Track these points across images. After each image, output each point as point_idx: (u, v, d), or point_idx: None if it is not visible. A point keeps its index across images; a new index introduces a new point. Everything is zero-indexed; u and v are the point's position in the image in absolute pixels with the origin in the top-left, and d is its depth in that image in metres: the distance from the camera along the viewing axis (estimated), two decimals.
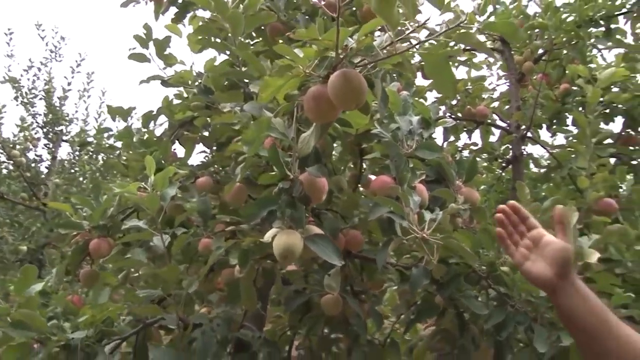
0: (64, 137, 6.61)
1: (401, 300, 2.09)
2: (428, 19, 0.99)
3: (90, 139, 6.25)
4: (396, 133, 1.46)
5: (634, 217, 2.99)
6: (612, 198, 2.78)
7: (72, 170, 6.83)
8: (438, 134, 2.41)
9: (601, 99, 3.60)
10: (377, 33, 1.24)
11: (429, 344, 2.15)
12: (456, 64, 2.80)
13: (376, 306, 1.83)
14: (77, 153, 6.87)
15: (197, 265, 1.96)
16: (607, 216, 2.54)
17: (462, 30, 0.95)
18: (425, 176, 1.60)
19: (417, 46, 1.07)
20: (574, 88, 3.20)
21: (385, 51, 1.06)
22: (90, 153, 6.62)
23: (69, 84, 6.52)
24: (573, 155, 2.81)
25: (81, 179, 6.75)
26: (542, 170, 2.94)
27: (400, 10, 0.99)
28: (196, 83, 2.19)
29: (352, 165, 1.95)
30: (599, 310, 1.08)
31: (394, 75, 1.75)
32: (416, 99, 1.74)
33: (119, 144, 2.60)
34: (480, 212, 1.70)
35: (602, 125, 3.86)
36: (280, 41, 1.40)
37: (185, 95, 2.29)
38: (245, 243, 1.50)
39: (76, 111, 7.10)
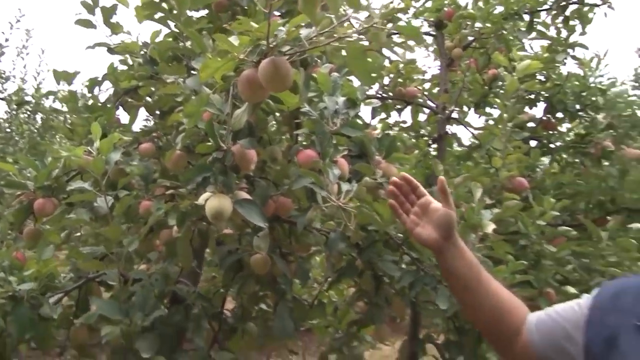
0: (0, 95, 6.48)
1: (328, 263, 2.29)
2: (347, 18, 1.16)
3: (28, 98, 6.16)
4: (323, 112, 1.63)
5: (543, 195, 3.28)
6: (525, 177, 3.06)
7: (9, 130, 6.71)
8: (367, 113, 2.61)
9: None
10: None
11: (350, 303, 2.38)
12: (392, 45, 2.98)
13: (302, 267, 2.01)
14: (14, 112, 6.74)
15: (137, 226, 2.09)
16: (518, 194, 2.80)
17: (374, 32, 1.13)
18: (349, 151, 1.79)
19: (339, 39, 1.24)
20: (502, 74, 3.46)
21: (310, 42, 1.23)
22: (29, 113, 6.51)
23: (7, 40, 6.38)
24: (492, 137, 3.07)
25: (17, 138, 6.64)
26: (465, 149, 3.20)
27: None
28: (141, 52, 2.28)
29: (289, 136, 2.11)
30: (475, 268, 1.30)
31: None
32: (347, 79, 1.92)
33: (58, 105, 2.66)
34: None
35: (527, 109, 4.17)
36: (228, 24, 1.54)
37: (130, 62, 2.38)
38: (183, 205, 1.65)
39: (13, 68, 6.94)
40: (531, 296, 2.62)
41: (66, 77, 2.58)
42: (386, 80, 2.99)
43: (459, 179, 2.02)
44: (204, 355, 1.94)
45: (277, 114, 1.92)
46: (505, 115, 2.76)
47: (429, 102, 3.16)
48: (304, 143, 1.78)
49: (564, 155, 4.00)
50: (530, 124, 4.06)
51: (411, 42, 1.36)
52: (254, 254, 1.78)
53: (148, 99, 2.32)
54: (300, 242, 1.93)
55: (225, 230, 2.06)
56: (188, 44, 1.98)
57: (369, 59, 1.30)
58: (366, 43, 1.27)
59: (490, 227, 1.83)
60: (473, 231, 1.87)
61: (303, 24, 1.25)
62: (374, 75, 1.33)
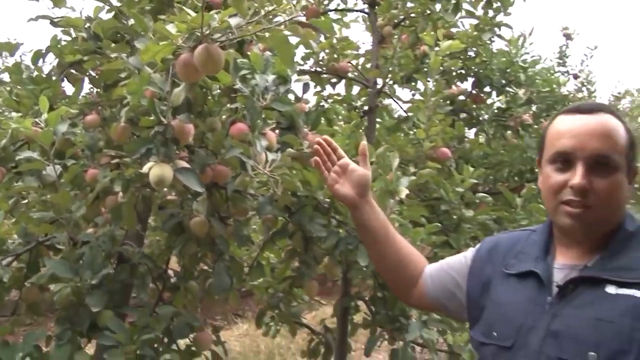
0: None
1: (264, 226, 2.50)
2: (271, 10, 1.35)
3: None
4: (254, 88, 1.82)
5: (470, 164, 3.56)
6: (450, 148, 3.32)
7: None
8: (299, 87, 2.78)
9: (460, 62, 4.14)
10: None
11: (285, 262, 2.61)
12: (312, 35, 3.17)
13: (239, 230, 2.21)
14: None
15: (84, 193, 2.23)
16: (441, 163, 3.06)
17: (291, 24, 1.32)
18: (279, 124, 1.99)
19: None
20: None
21: (239, 30, 1.41)
22: None
23: None
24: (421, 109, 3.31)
25: None
26: (394, 121, 3.44)
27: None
28: (85, 27, 2.38)
29: (229, 108, 2.28)
30: (384, 224, 1.53)
31: None
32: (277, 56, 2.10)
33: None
34: None
35: (458, 84, 4.44)
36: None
37: (73, 34, 2.46)
38: (127, 173, 1.82)
39: None
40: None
41: (8, 48, 2.65)
42: (322, 55, 3.18)
43: (381, 149, 2.25)
44: (149, 310, 2.13)
45: (218, 89, 2.09)
46: (429, 90, 3.01)
47: (361, 77, 3.36)
48: (240, 115, 1.96)
49: (489, 128, 4.31)
50: (461, 98, 4.35)
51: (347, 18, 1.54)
52: (194, 217, 1.96)
53: (92, 72, 2.43)
54: (237, 207, 2.12)
55: (169, 197, 2.24)
56: (131, 21, 2.11)
57: (303, 38, 1.49)
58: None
59: (404, 193, 2.06)
60: (391, 196, 2.10)
61: (235, 13, 1.43)
62: (297, 59, 1.51)
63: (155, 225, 2.79)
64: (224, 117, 2.25)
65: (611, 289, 1.12)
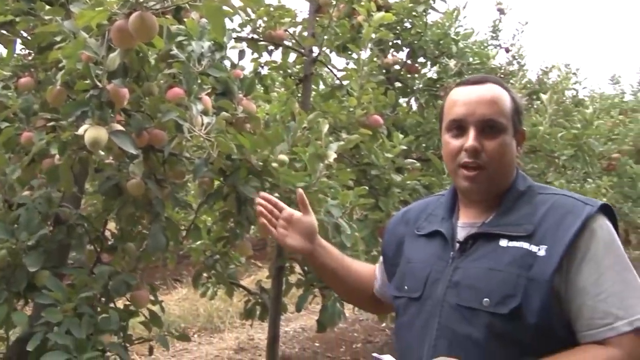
0: None
1: (200, 189, 2.57)
2: None
3: None
4: (190, 55, 1.88)
5: (402, 132, 3.72)
6: (382, 116, 3.46)
7: None
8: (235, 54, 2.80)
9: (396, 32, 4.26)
10: None
11: (219, 223, 2.70)
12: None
13: (175, 192, 2.28)
14: None
15: (18, 156, 2.24)
16: (372, 130, 3.19)
17: None
18: (215, 90, 2.06)
19: None
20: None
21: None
22: None
23: None
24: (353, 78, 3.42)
25: None
26: (329, 89, 3.55)
27: None
28: None
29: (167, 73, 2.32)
30: (339, 258, 1.61)
31: None
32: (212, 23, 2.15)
33: None
34: (255, 120, 2.19)
35: (394, 53, 4.57)
36: None
37: None
38: (64, 136, 1.85)
39: None
40: (380, 218, 3.07)
41: None
42: (259, 23, 3.23)
43: (312, 116, 2.35)
44: (87, 270, 2.18)
45: (154, 54, 2.13)
46: (362, 59, 3.12)
47: (297, 45, 3.43)
48: (177, 81, 2.02)
49: (421, 97, 4.47)
50: (396, 67, 4.49)
51: None
52: (131, 179, 2.02)
53: (24, 33, 2.40)
54: (173, 170, 2.18)
55: (106, 160, 2.27)
56: None
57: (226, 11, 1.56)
58: None
59: (332, 157, 2.18)
60: (321, 160, 2.21)
61: None
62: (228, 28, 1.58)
63: (92, 189, 2.81)
64: (161, 82, 2.30)
65: (504, 242, 1.26)
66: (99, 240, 2.37)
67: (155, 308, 2.36)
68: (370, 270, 1.67)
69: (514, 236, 1.26)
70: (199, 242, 3.05)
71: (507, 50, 6.22)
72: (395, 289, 1.45)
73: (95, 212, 2.57)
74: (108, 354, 1.98)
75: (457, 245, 1.34)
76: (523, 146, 1.44)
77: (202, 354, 4.89)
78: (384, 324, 5.90)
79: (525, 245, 1.23)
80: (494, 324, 1.19)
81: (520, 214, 1.30)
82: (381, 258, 1.63)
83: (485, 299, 1.21)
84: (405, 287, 1.40)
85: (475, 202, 1.38)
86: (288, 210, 1.54)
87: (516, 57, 6.34)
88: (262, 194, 1.59)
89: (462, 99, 1.34)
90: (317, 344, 5.35)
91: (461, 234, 1.36)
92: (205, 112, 1.82)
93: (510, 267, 1.22)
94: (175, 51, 1.82)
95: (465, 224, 1.37)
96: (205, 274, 3.10)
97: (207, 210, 2.74)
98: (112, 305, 2.15)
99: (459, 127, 1.33)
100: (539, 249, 1.21)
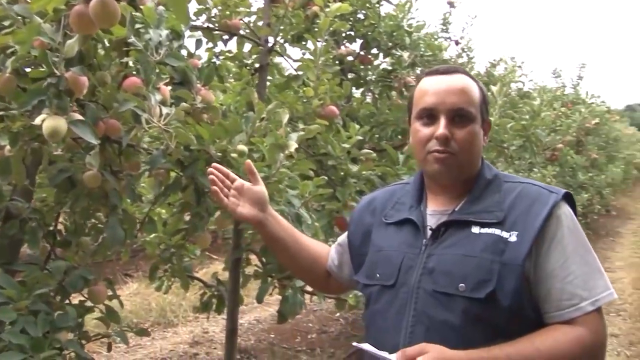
0: None
1: (156, 181, 2.52)
2: None
3: None
4: (148, 43, 1.83)
5: (357, 122, 3.73)
6: (337, 106, 3.46)
7: None
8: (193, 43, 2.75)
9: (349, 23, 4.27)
10: None
11: (177, 215, 2.65)
12: None
13: (131, 184, 2.22)
14: None
15: None
16: (329, 120, 3.19)
17: None
18: (172, 79, 2.02)
19: None
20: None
21: None
22: None
23: None
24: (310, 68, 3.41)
25: None
26: (284, 79, 3.53)
27: None
28: None
29: (119, 62, 2.26)
30: (290, 230, 1.63)
31: None
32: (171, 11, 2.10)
33: None
34: (214, 110, 2.16)
35: (348, 44, 4.59)
36: None
37: None
38: (15, 126, 1.78)
39: None
40: (337, 208, 3.08)
41: None
42: (214, 12, 3.17)
43: (272, 106, 2.33)
44: (40, 265, 2.11)
45: (107, 42, 2.07)
46: (318, 50, 3.11)
47: (253, 34, 3.40)
48: (133, 71, 1.97)
49: (375, 88, 4.51)
50: (350, 58, 4.50)
51: None
52: (87, 170, 1.96)
53: None
54: (130, 161, 2.13)
55: (55, 152, 2.19)
56: None
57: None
58: None
59: (293, 147, 2.17)
60: (281, 150, 2.20)
61: None
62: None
63: (41, 182, 2.72)
64: (113, 71, 2.24)
65: (475, 229, 1.31)
66: (51, 234, 2.29)
67: (112, 303, 2.31)
68: (323, 247, 1.71)
69: (486, 223, 1.31)
70: (153, 235, 2.99)
71: (457, 43, 6.35)
72: (366, 278, 1.47)
73: (45, 206, 2.50)
74: (65, 352, 1.93)
75: (430, 232, 1.37)
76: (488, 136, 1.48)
77: (156, 349, 4.82)
78: (337, 314, 5.95)
79: (496, 231, 1.28)
80: (470, 308, 1.24)
81: (490, 202, 1.35)
82: (339, 239, 1.67)
83: (460, 284, 1.25)
84: (378, 275, 1.42)
85: (444, 190, 1.42)
86: (239, 180, 1.56)
87: (465, 50, 6.48)
88: (214, 164, 1.58)
89: (432, 88, 1.38)
90: (272, 336, 5.35)
91: (431, 222, 1.39)
92: (163, 102, 1.78)
93: (484, 253, 1.26)
94: (132, 39, 1.76)
95: (434, 211, 1.41)
96: (162, 268, 3.04)
97: (161, 202, 2.69)
98: (67, 301, 2.09)
99: (429, 116, 1.37)
100: (510, 235, 1.27)
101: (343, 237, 1.66)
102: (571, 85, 10.02)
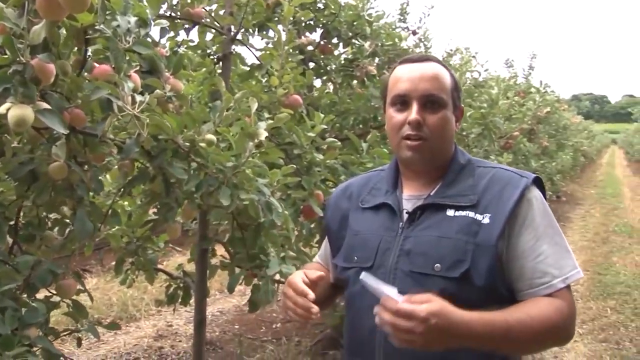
0: None
1: (121, 172, 2.47)
2: None
3: None
4: (116, 30, 1.79)
5: (319, 111, 3.73)
6: (300, 95, 3.46)
7: None
8: (156, 32, 2.72)
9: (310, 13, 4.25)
10: None
11: (143, 207, 2.61)
12: None
13: (96, 176, 2.17)
14: None
15: None
16: (293, 109, 3.19)
17: None
18: (140, 67, 1.97)
19: None
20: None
21: None
22: None
23: None
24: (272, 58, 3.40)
25: None
26: (248, 68, 3.50)
27: None
28: None
29: (77, 51, 2.19)
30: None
31: None
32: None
33: None
34: (183, 99, 2.13)
35: (308, 34, 4.57)
36: None
37: None
38: None
39: None
40: (303, 197, 3.09)
41: None
42: (175, 0, 3.12)
43: (239, 95, 2.31)
44: (4, 259, 2.04)
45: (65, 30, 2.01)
46: (282, 39, 3.10)
47: (215, 23, 3.35)
48: (98, 58, 1.92)
49: (337, 77, 4.51)
50: (310, 48, 4.49)
51: None
52: (52, 162, 1.91)
53: None
54: (95, 152, 2.08)
55: (14, 145, 2.12)
56: None
57: None
58: None
59: (263, 135, 2.16)
60: (250, 139, 2.19)
61: None
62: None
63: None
64: (72, 60, 2.18)
65: (450, 212, 1.37)
66: (13, 229, 2.22)
67: (79, 298, 2.26)
68: (319, 268, 1.67)
69: (460, 206, 1.36)
70: (116, 228, 2.94)
71: (415, 33, 6.40)
72: (344, 261, 1.50)
73: (4, 200, 2.42)
74: (34, 349, 1.88)
75: (406, 216, 1.41)
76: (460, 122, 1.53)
77: (120, 344, 4.73)
78: None
79: (470, 214, 1.34)
80: (446, 287, 1.28)
81: (464, 186, 1.40)
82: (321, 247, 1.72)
83: (436, 265, 1.31)
84: (355, 258, 1.46)
85: (418, 176, 1.47)
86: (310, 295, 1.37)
87: (423, 40, 6.54)
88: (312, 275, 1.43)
89: (405, 75, 1.42)
90: (237, 327, 5.33)
91: (407, 206, 1.44)
92: (134, 90, 1.75)
93: (458, 235, 1.32)
94: (101, 26, 1.72)
95: (410, 196, 1.45)
96: (128, 260, 2.99)
97: (126, 194, 2.64)
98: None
99: (402, 102, 1.41)
100: (483, 217, 1.32)
101: (325, 241, 1.70)
102: (523, 75, 10.26)
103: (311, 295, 1.34)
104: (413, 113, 1.37)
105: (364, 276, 1.23)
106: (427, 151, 1.40)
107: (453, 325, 1.15)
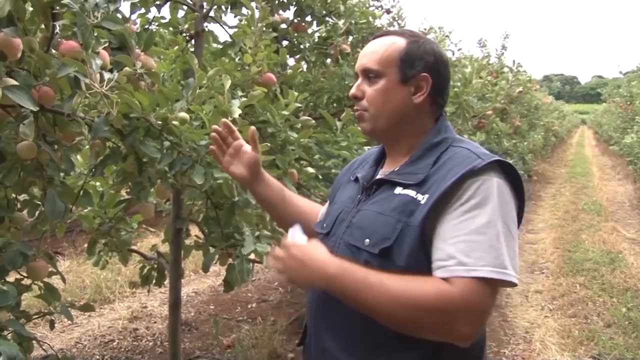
0: None
1: (92, 152, 2.42)
2: None
3: None
4: (84, 5, 1.74)
5: (290, 88, 3.71)
6: (274, 74, 3.43)
7: None
8: (126, 8, 2.65)
9: None
10: None
11: (116, 187, 2.57)
12: None
13: (67, 155, 2.12)
14: None
15: None
16: (267, 87, 3.16)
17: None
18: (110, 44, 1.93)
19: None
20: None
21: None
22: None
23: None
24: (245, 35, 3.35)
25: None
26: (221, 46, 3.45)
27: None
28: None
29: (44, 27, 2.13)
30: (279, 191, 1.73)
31: None
32: None
33: None
34: (155, 76, 2.10)
35: (281, 12, 4.52)
36: None
37: None
38: None
39: None
40: (278, 176, 3.07)
41: None
42: None
43: (212, 72, 2.28)
44: None
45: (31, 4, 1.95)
46: (255, 16, 3.06)
47: (187, 0, 3.29)
48: (68, 34, 1.87)
49: (311, 56, 4.48)
50: (283, 26, 4.44)
51: None
52: (20, 141, 1.86)
53: None
54: (65, 131, 2.04)
55: None
56: None
57: None
58: None
59: (237, 113, 2.14)
60: (224, 116, 2.16)
61: None
62: None
63: None
64: (39, 36, 2.12)
65: (398, 190, 1.36)
66: None
67: (51, 280, 2.23)
68: (314, 207, 1.78)
69: (406, 184, 1.35)
70: (88, 209, 2.89)
71: (388, 12, 6.36)
72: (319, 227, 1.58)
73: None
74: (5, 332, 1.85)
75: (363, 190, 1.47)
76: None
77: (94, 327, 4.70)
78: (276, 283, 5.98)
79: (412, 193, 1.32)
80: (370, 262, 1.30)
81: (421, 165, 1.38)
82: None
83: (366, 240, 1.33)
84: (324, 225, 1.54)
85: (391, 151, 1.50)
86: (240, 141, 1.67)
87: (396, 19, 6.51)
88: (223, 120, 1.67)
89: (362, 52, 1.48)
90: (212, 307, 5.32)
91: None
92: (103, 67, 1.71)
93: (393, 212, 1.31)
94: (68, 0, 1.67)
95: (383, 172, 1.49)
96: (102, 241, 2.95)
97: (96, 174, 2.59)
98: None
99: (357, 77, 1.48)
100: (423, 198, 1.29)
101: None
102: (496, 55, 10.31)
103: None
104: (353, 88, 1.44)
105: (294, 227, 1.37)
106: (367, 120, 1.44)
107: (310, 257, 1.27)
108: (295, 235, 1.35)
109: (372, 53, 1.42)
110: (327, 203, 1.72)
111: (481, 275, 1.17)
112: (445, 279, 1.20)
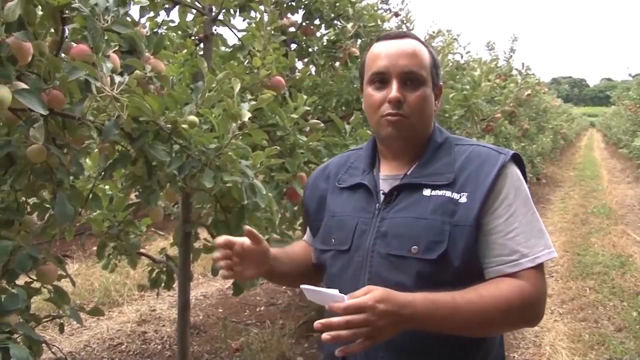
0: None
1: (101, 155, 2.42)
2: None
3: None
4: (94, 8, 1.75)
5: (298, 91, 3.71)
6: (283, 77, 3.43)
7: None
8: (136, 11, 2.67)
9: None
10: None
11: (125, 190, 2.57)
12: None
13: (77, 159, 2.13)
14: None
15: None
16: (276, 90, 3.16)
17: None
18: (120, 47, 1.93)
19: None
20: None
21: None
22: None
23: None
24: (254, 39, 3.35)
25: None
26: (229, 50, 3.45)
27: None
28: None
29: (53, 31, 2.14)
30: (286, 258, 1.56)
31: None
32: None
33: None
34: (164, 79, 2.09)
35: (290, 15, 4.52)
36: None
37: None
38: None
39: None
40: (287, 179, 3.07)
41: None
42: None
43: (221, 76, 2.27)
44: None
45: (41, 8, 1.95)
46: (264, 19, 3.06)
47: (196, 3, 3.30)
48: (78, 37, 1.87)
49: (319, 59, 4.48)
50: (292, 29, 4.45)
51: None
52: (30, 145, 1.86)
53: None
54: (74, 134, 2.04)
55: None
56: None
57: None
58: None
59: (246, 116, 2.13)
60: (233, 120, 2.16)
61: None
62: None
63: None
64: (49, 40, 2.12)
65: (427, 192, 1.34)
66: None
67: (60, 283, 2.23)
68: (304, 246, 1.68)
69: (436, 185, 1.33)
70: (97, 212, 2.90)
71: (397, 15, 6.37)
72: (322, 243, 1.49)
73: None
74: (15, 335, 1.84)
75: (382, 197, 1.39)
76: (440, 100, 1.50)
77: (103, 330, 4.70)
78: (284, 287, 5.97)
79: (447, 193, 1.31)
80: (423, 269, 1.27)
81: (441, 165, 1.37)
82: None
83: (413, 247, 1.28)
84: (333, 240, 1.44)
85: (395, 155, 1.44)
86: (238, 244, 1.39)
87: (405, 22, 6.50)
88: (223, 237, 1.41)
89: (384, 52, 1.38)
90: (220, 310, 5.32)
91: (384, 187, 1.42)
92: (114, 71, 1.71)
93: (435, 215, 1.29)
94: (77, 4, 1.67)
95: (387, 176, 1.44)
96: (111, 245, 2.95)
97: (107, 178, 2.60)
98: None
99: (381, 80, 1.38)
100: (460, 196, 1.30)
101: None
102: (504, 58, 10.27)
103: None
104: (393, 91, 1.34)
105: (304, 287, 1.17)
106: (406, 128, 1.37)
107: (400, 306, 1.12)
108: (333, 293, 1.13)
109: (410, 56, 1.37)
110: (306, 215, 1.62)
111: (542, 260, 1.27)
112: (511, 274, 1.27)
